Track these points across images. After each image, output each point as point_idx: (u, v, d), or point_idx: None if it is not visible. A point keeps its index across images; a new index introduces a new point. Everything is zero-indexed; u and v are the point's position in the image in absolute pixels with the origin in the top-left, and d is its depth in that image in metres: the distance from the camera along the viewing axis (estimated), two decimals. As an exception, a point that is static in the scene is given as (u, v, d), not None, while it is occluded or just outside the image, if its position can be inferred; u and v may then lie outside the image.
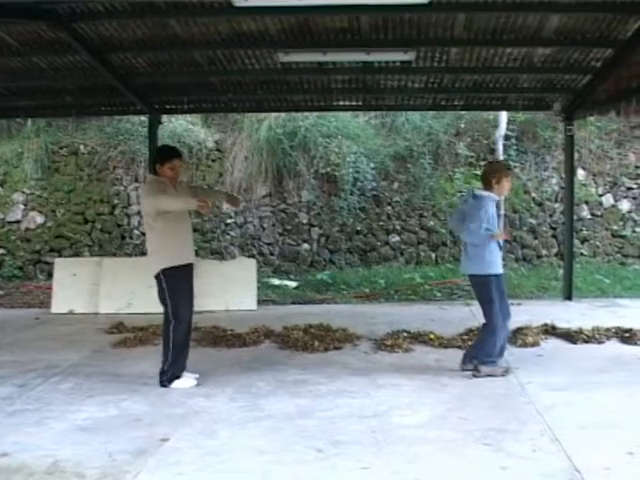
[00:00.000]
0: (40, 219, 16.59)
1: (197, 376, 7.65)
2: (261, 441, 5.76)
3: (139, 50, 10.84)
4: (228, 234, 16.47)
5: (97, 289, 12.42)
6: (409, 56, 10.61)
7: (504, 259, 15.00)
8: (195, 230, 15.87)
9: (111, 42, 10.44)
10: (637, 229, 16.43)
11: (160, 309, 8.21)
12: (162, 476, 5.09)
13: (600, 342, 9.25)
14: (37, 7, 8.76)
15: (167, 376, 7.51)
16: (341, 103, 13.99)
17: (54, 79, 11.82)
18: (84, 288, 12.49)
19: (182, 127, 16.69)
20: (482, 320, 7.93)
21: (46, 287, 14.12)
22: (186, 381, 7.53)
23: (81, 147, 16.71)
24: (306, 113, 16.09)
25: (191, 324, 7.73)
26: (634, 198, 16.57)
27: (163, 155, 7.80)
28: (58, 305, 12.42)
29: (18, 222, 16.62)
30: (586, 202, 16.44)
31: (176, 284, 7.51)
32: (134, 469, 5.17)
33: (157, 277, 7.57)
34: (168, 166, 7.63)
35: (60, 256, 15.68)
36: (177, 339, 7.50)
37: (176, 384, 7.47)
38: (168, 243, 7.51)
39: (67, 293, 12.48)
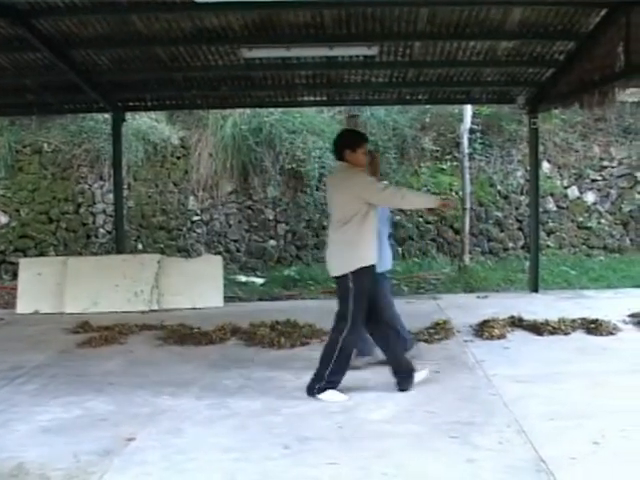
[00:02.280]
0: (4, 219, 16.41)
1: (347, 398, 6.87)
2: (228, 439, 5.73)
3: (101, 47, 10.78)
4: (194, 231, 16.39)
5: (62, 289, 12.30)
6: (372, 51, 10.64)
7: (470, 252, 15.21)
8: (161, 228, 15.84)
9: (72, 39, 10.37)
10: (602, 221, 16.56)
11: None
12: (128, 476, 5.03)
13: (566, 333, 9.30)
14: (-5, 4, 8.68)
15: (321, 385, 6.83)
16: (305, 98, 13.99)
17: (15, 77, 11.71)
18: (49, 288, 12.36)
19: (146, 124, 16.60)
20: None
21: (11, 287, 13.97)
22: (338, 395, 6.82)
23: (45, 146, 16.53)
24: (271, 109, 16.04)
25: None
26: (599, 190, 16.70)
27: (355, 139, 7.12)
28: (23, 305, 12.29)
29: (-19, 222, 16.45)
30: (551, 194, 16.54)
31: (363, 287, 6.80)
32: (99, 470, 5.11)
33: (343, 277, 6.84)
34: (361, 151, 6.99)
35: (25, 256, 15.54)
36: (347, 345, 6.85)
37: (327, 395, 6.80)
38: (365, 240, 6.83)
39: (32, 293, 12.36)
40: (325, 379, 6.84)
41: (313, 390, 6.86)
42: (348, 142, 7.04)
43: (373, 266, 6.90)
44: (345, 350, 6.85)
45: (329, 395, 6.81)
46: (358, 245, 6.79)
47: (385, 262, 7.81)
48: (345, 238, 6.84)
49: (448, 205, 7.32)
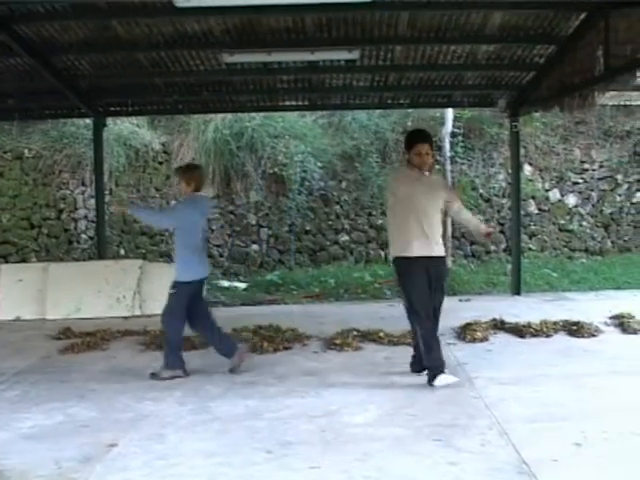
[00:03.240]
0: (-15, 225, 16.34)
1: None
2: (210, 444, 5.71)
3: (81, 52, 10.76)
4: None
5: (44, 295, 12.25)
6: (354, 55, 10.66)
7: (453, 255, 15.23)
8: (143, 233, 15.79)
9: (52, 44, 10.34)
10: (584, 223, 16.62)
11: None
12: (110, 482, 5.02)
13: (548, 335, 9.36)
14: (-26, 9, 8.64)
15: (430, 375, 7.24)
16: (287, 103, 14.01)
17: (-4, 82, 11.68)
18: (31, 294, 12.32)
19: (128, 129, 16.53)
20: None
21: (-8, 294, 13.90)
22: (449, 377, 7.19)
23: (26, 151, 16.43)
24: (253, 114, 16.03)
25: (432, 316, 7.35)
26: (580, 192, 16.76)
27: (407, 141, 7.62)
28: (4, 312, 12.22)
29: (-38, 229, 16.36)
30: (533, 197, 16.58)
31: (405, 274, 7.33)
32: (81, 476, 5.08)
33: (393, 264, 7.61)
34: (413, 152, 7.35)
35: (6, 262, 15.44)
36: (423, 332, 7.26)
37: (438, 381, 7.14)
38: (396, 233, 7.41)
39: (14, 299, 12.31)
40: (430, 367, 7.28)
41: (430, 382, 7.22)
42: (405, 143, 7.68)
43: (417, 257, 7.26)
44: (423, 335, 7.27)
45: (440, 379, 7.15)
46: (392, 238, 7.54)
47: (203, 271, 8.18)
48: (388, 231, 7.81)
49: (490, 236, 7.88)
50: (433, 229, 7.35)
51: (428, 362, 7.28)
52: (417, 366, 7.59)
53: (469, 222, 7.98)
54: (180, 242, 8.07)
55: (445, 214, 7.85)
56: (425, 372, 7.44)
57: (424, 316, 7.24)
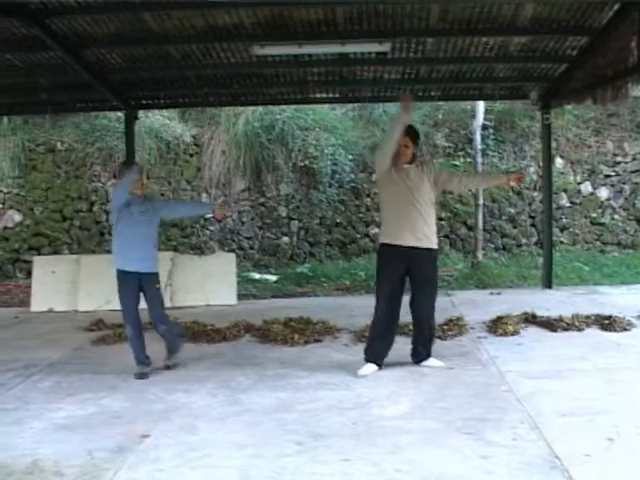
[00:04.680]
0: (18, 217, 16.49)
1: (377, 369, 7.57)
2: (241, 435, 5.73)
3: (113, 46, 10.76)
4: (207, 229, 16.42)
5: (76, 287, 12.34)
6: (384, 47, 10.60)
7: (484, 248, 15.16)
8: (174, 225, 15.86)
9: (85, 38, 10.35)
10: (616, 216, 16.51)
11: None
12: (142, 473, 5.04)
13: (580, 329, 9.25)
14: (8, 3, 8.66)
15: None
16: (318, 95, 13.96)
17: (28, 76, 11.74)
18: (63, 286, 12.42)
19: (159, 122, 16.63)
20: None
21: (25, 286, 14.03)
22: (367, 367, 7.53)
23: (58, 144, 16.59)
24: (283, 106, 16.05)
25: (393, 310, 7.55)
26: (612, 185, 16.65)
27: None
28: (38, 303, 12.35)
29: (-5, 221, 16.52)
30: (565, 190, 16.50)
31: (381, 262, 7.61)
32: (114, 466, 5.12)
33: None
34: (402, 143, 7.43)
35: (39, 254, 15.59)
36: (375, 319, 7.63)
37: (362, 369, 7.48)
38: (383, 218, 7.71)
39: (46, 291, 12.42)
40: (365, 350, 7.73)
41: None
42: None
43: (397, 246, 7.41)
44: (374, 321, 7.67)
45: (362, 369, 7.50)
46: (382, 222, 7.77)
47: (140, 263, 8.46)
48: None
49: (519, 180, 8.90)
50: (417, 220, 7.41)
51: (367, 350, 7.66)
52: (416, 356, 7.79)
53: (485, 181, 9.29)
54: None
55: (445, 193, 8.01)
56: (424, 362, 7.69)
57: (381, 304, 7.54)
